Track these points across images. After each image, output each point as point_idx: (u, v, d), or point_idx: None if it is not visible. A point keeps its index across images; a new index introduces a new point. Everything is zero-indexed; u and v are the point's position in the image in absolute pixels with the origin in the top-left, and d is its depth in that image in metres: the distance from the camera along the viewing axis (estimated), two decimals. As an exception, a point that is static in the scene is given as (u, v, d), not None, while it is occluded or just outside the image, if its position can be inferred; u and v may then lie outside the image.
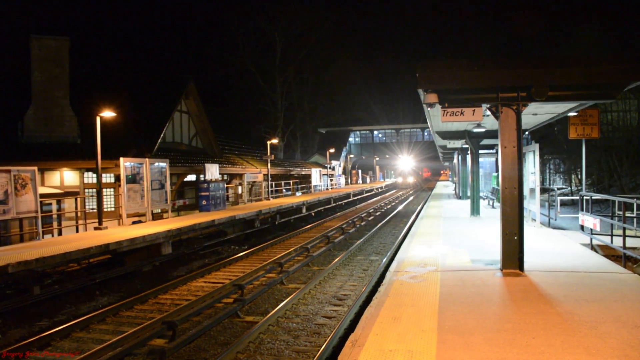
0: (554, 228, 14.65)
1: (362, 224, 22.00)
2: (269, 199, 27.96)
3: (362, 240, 16.81)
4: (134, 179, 16.06)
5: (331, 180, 46.56)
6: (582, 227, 12.22)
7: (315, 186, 38.45)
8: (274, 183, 31.54)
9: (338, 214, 28.50)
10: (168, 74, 34.81)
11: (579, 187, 26.55)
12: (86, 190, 18.80)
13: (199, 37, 64.33)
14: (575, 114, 13.51)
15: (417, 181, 77.24)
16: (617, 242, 10.23)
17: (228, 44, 42.37)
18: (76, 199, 16.88)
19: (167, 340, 7.39)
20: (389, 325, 5.63)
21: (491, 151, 24.43)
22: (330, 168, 48.24)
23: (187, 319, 8.39)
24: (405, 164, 72.00)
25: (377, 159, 67.42)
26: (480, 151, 18.76)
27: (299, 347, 7.19)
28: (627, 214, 11.15)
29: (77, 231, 15.25)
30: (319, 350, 6.77)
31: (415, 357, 4.70)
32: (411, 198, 43.05)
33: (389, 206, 33.46)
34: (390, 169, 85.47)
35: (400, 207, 32.28)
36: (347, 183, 56.86)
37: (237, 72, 42.97)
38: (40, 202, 13.14)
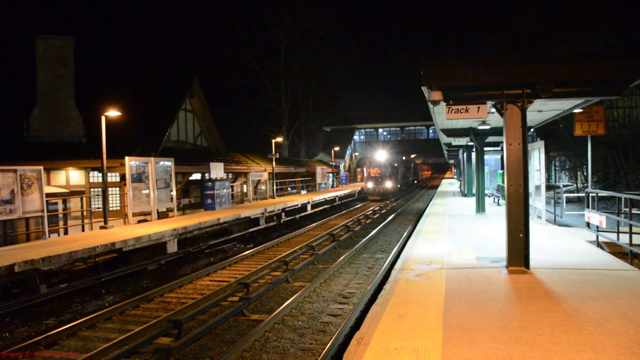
0: (560, 225, 14.59)
1: (368, 221, 21.99)
2: (274, 197, 27.99)
3: (367, 238, 16.80)
4: (139, 178, 16.11)
5: (336, 178, 46.57)
6: (588, 225, 12.16)
7: (320, 184, 38.47)
8: (279, 181, 31.57)
9: (343, 211, 28.50)
10: (173, 73, 34.92)
11: (585, 184, 26.42)
12: (92, 190, 18.88)
13: (204, 36, 64.49)
14: (581, 110, 13.44)
15: (399, 188, 41.87)
16: (624, 239, 10.18)
17: (232, 43, 42.46)
18: (82, 198, 16.95)
19: (172, 338, 7.41)
20: (394, 323, 5.62)
21: (496, 148, 24.33)
22: (335, 166, 48.25)
23: (193, 317, 8.41)
24: (382, 157, 39.72)
25: (381, 156, 67.27)
26: (486, 148, 18.71)
27: (305, 345, 7.20)
28: (634, 211, 11.08)
29: (83, 230, 15.32)
30: (324, 348, 6.77)
31: (420, 354, 4.69)
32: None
33: (393, 204, 33.41)
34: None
35: (405, 206, 32.23)
36: (353, 181, 56.85)
37: (242, 70, 43.03)
38: (46, 201, 13.20)
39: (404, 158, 50.56)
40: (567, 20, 29.51)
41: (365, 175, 43.79)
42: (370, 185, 37.06)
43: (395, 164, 41.56)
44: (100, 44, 53.34)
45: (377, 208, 28.90)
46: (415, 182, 63.68)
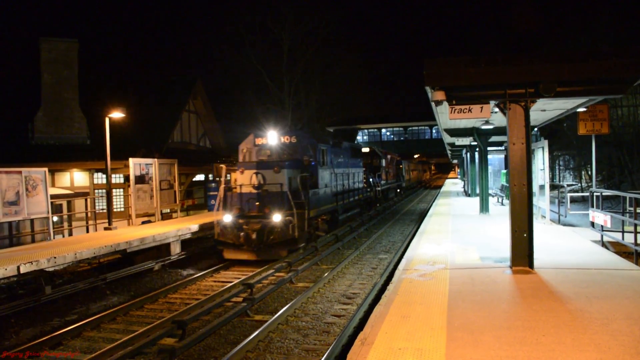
0: (564, 225, 14.54)
1: (371, 222, 21.97)
2: (278, 198, 27.89)
3: (371, 239, 16.79)
4: (143, 179, 16.16)
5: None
6: (592, 224, 12.12)
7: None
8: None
9: (346, 212, 28.40)
10: (176, 75, 34.96)
11: (589, 184, 26.32)
12: (96, 191, 18.95)
13: (206, 37, 64.63)
14: (585, 109, 13.41)
15: (329, 219, 17.06)
16: (629, 238, 10.15)
17: (235, 44, 42.50)
18: (86, 200, 17.01)
19: (177, 339, 7.43)
20: (398, 324, 5.62)
21: (500, 148, 24.26)
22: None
23: (197, 317, 8.43)
24: (273, 141, 15.69)
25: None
26: (489, 148, 18.68)
27: (309, 346, 7.20)
28: (639, 210, 11.04)
29: (88, 231, 15.37)
30: (328, 348, 6.77)
31: (424, 355, 4.69)
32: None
33: (396, 202, 33.38)
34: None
35: (409, 207, 32.20)
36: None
37: (245, 71, 43.06)
38: (51, 202, 13.26)
39: (367, 150, 27.96)
40: (568, 18, 29.44)
41: (223, 189, 14.43)
42: (228, 219, 13.66)
43: (310, 160, 15.90)
44: (104, 46, 53.55)
45: (379, 206, 28.40)
46: (399, 189, 39.20)
